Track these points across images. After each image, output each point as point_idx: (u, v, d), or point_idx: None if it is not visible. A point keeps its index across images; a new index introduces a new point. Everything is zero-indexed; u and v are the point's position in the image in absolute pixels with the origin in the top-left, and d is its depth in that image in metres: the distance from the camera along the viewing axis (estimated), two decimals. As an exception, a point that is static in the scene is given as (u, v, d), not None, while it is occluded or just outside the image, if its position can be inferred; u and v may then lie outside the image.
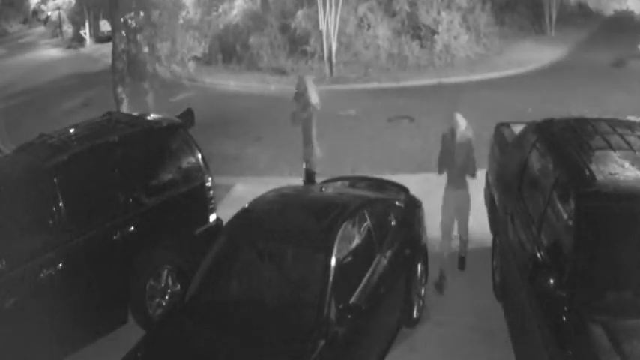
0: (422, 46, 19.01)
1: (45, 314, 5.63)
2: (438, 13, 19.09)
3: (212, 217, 7.31)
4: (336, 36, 17.89)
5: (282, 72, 18.54)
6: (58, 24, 30.63)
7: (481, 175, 8.15)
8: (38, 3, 32.07)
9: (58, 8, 29.99)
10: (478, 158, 7.10)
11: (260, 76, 18.55)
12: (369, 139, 12.33)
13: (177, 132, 7.22)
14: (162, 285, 6.71)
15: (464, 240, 7.28)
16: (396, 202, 6.68)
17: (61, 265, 5.84)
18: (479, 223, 7.79)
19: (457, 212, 7.03)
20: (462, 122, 7.02)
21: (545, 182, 5.62)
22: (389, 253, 5.92)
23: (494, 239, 7.13)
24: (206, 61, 18.83)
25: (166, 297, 6.72)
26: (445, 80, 16.75)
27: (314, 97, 8.24)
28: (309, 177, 8.50)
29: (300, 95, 8.31)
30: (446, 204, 7.04)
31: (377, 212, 6.09)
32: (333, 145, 12.07)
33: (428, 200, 7.36)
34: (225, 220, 6.26)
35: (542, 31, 21.09)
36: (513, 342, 5.66)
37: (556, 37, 20.54)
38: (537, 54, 18.71)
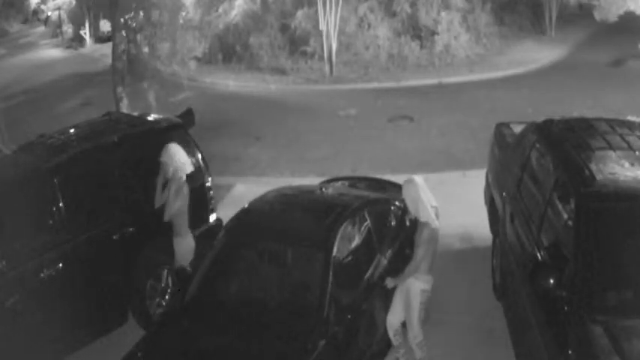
0: (422, 46, 19.01)
1: (45, 314, 5.63)
2: (438, 13, 19.09)
3: (212, 217, 7.31)
4: (336, 36, 17.88)
5: (282, 72, 18.54)
6: (58, 24, 30.58)
7: (481, 175, 8.17)
8: (38, 3, 32.02)
9: (58, 8, 29.94)
10: (479, 159, 7.02)
11: (260, 76, 18.54)
12: (369, 139, 12.33)
13: (177, 132, 7.22)
14: (163, 285, 6.71)
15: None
16: (396, 202, 6.68)
17: (61, 265, 5.83)
18: (479, 223, 7.80)
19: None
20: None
21: (545, 182, 5.62)
22: (389, 253, 5.92)
23: (494, 239, 7.13)
24: (206, 61, 18.82)
25: (166, 297, 6.72)
26: (445, 80, 16.75)
27: (182, 165, 6.05)
28: (182, 277, 5.89)
29: (172, 172, 6.03)
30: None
31: (377, 212, 6.09)
32: (333, 145, 12.11)
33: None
34: (225, 220, 6.26)
35: (542, 31, 21.08)
36: (513, 342, 5.66)
37: (556, 37, 20.53)
38: (537, 54, 18.71)
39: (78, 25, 28.66)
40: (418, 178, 5.46)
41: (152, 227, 6.63)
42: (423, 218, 5.32)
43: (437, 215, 5.44)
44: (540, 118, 6.86)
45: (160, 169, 6.05)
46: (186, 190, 6.03)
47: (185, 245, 6.12)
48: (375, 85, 17.00)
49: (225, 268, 5.48)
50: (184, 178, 6.04)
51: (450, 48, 18.69)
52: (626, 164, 5.09)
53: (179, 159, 6.01)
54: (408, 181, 5.46)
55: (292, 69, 18.62)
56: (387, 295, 5.73)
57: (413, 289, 5.43)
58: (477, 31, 19.57)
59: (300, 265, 5.36)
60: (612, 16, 17.13)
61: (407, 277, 5.42)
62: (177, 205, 5.98)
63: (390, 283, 5.49)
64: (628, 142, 5.47)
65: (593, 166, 5.04)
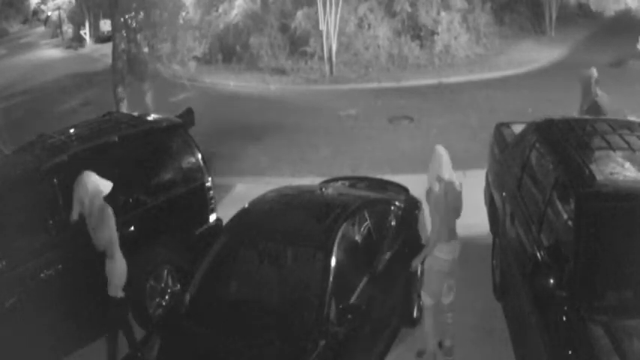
0: (422, 46, 19.04)
1: (45, 314, 5.63)
2: (438, 13, 19.11)
3: (212, 217, 7.31)
4: (336, 36, 17.89)
5: (282, 72, 18.56)
6: (58, 24, 30.65)
7: (481, 175, 8.17)
8: (38, 3, 32.07)
9: (58, 8, 30.00)
10: (479, 159, 7.02)
11: (260, 76, 18.57)
12: (369, 139, 12.34)
13: (177, 132, 7.22)
14: (163, 285, 6.71)
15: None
16: (396, 202, 6.68)
17: (60, 265, 5.83)
18: (479, 223, 7.79)
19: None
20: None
21: (545, 182, 5.62)
22: (389, 253, 5.92)
23: (494, 239, 7.13)
24: (206, 61, 18.85)
25: (166, 297, 6.72)
26: (445, 80, 16.76)
27: (95, 190, 5.62)
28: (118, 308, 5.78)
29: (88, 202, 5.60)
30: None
31: (377, 212, 6.09)
32: (333, 145, 12.11)
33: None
34: (225, 220, 6.27)
35: (542, 31, 21.10)
36: (513, 342, 5.66)
37: (556, 37, 20.55)
38: (537, 54, 18.72)
39: (78, 25, 28.73)
40: (440, 149, 5.70)
41: (152, 227, 6.64)
42: (427, 184, 5.62)
43: (451, 186, 5.59)
44: (540, 118, 6.86)
45: (73, 211, 5.61)
46: (108, 213, 5.54)
47: (118, 267, 5.62)
48: (375, 85, 17.02)
49: (225, 268, 5.48)
50: (101, 200, 5.58)
51: (449, 48, 18.72)
52: (626, 164, 5.09)
53: (91, 187, 5.54)
54: (434, 150, 5.73)
55: (292, 69, 18.64)
56: (388, 295, 5.74)
57: (428, 259, 5.71)
58: (476, 31, 19.59)
59: (300, 265, 5.35)
60: (609, 10, 17.36)
61: (425, 254, 5.68)
62: (106, 234, 5.54)
63: (413, 264, 5.78)
64: (628, 142, 5.47)
65: (593, 166, 5.04)
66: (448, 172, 5.58)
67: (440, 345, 5.99)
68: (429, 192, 5.62)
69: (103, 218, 5.55)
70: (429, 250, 5.65)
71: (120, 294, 5.67)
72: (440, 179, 5.54)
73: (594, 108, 7.42)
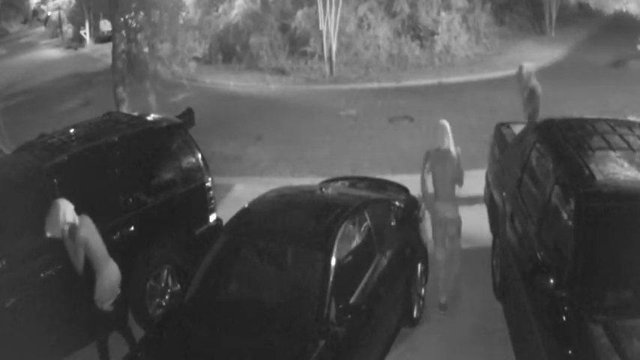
0: (422, 47, 19.03)
1: (45, 314, 5.63)
2: (438, 13, 19.10)
3: (212, 217, 7.31)
4: (336, 36, 17.88)
5: (282, 72, 18.55)
6: (58, 24, 30.62)
7: (481, 175, 8.17)
8: (38, 3, 32.06)
9: (58, 8, 29.97)
10: (479, 159, 7.05)
11: (260, 76, 18.55)
12: (369, 139, 12.34)
13: (178, 132, 7.23)
14: (163, 285, 6.71)
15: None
16: (396, 202, 6.68)
17: (60, 265, 5.83)
18: (479, 223, 7.79)
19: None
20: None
21: (545, 182, 5.62)
22: (389, 253, 5.92)
23: (494, 239, 7.13)
24: (206, 61, 18.83)
25: (166, 297, 6.72)
26: (445, 80, 16.75)
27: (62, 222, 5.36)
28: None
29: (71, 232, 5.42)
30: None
31: (377, 212, 6.09)
32: (333, 145, 12.11)
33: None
34: (225, 220, 6.27)
35: (542, 31, 21.07)
36: (513, 342, 5.66)
37: (556, 37, 20.52)
38: (537, 54, 18.67)
39: (78, 25, 28.68)
40: (443, 122, 6.62)
41: (152, 227, 6.64)
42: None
43: (448, 154, 6.45)
44: (540, 118, 6.86)
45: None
46: (78, 235, 5.37)
47: (105, 281, 5.46)
48: (375, 85, 17.01)
49: (225, 268, 5.48)
50: (67, 228, 5.36)
51: (450, 48, 18.70)
52: (626, 164, 5.09)
53: (60, 219, 5.32)
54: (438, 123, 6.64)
55: (292, 69, 18.62)
56: (388, 295, 5.74)
57: (431, 214, 6.64)
58: (476, 31, 19.57)
59: (300, 265, 5.35)
60: (608, 8, 17.62)
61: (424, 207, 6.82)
62: (80, 255, 5.39)
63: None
64: (628, 142, 5.47)
65: (593, 166, 5.04)
66: (447, 143, 6.42)
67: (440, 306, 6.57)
68: (426, 154, 6.48)
69: (72, 239, 5.38)
70: (423, 200, 6.63)
71: (106, 307, 5.51)
72: (438, 149, 6.40)
73: (531, 95, 8.60)
